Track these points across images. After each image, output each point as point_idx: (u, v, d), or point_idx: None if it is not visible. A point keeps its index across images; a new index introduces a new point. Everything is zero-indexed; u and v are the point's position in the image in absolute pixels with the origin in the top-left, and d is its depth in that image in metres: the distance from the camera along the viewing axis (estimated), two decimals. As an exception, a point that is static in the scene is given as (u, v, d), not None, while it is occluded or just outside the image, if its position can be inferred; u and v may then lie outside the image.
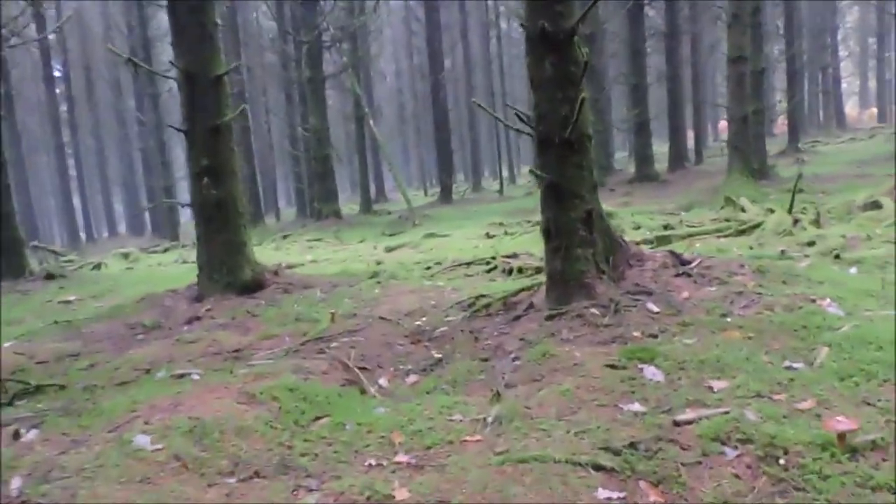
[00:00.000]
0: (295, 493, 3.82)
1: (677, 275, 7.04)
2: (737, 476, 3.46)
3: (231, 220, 10.34)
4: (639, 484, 3.49)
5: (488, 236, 15.84)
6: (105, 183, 50.28)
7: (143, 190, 42.29)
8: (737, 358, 4.86)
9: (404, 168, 62.25)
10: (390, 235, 19.42)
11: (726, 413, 4.01)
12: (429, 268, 12.25)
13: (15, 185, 39.51)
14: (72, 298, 12.78)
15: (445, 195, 31.81)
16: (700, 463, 3.60)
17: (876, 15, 49.86)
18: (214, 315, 9.17)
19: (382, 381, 5.89)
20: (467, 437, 4.32)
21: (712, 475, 3.48)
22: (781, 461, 3.47)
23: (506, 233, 15.85)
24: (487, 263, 11.83)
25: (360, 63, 28.14)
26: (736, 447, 3.69)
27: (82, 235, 42.39)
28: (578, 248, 6.84)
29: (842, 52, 56.39)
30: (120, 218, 53.58)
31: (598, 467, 3.61)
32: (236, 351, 7.18)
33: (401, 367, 6.30)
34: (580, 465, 3.63)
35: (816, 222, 9.75)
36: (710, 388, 4.51)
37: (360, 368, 6.09)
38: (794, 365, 4.70)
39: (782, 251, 8.10)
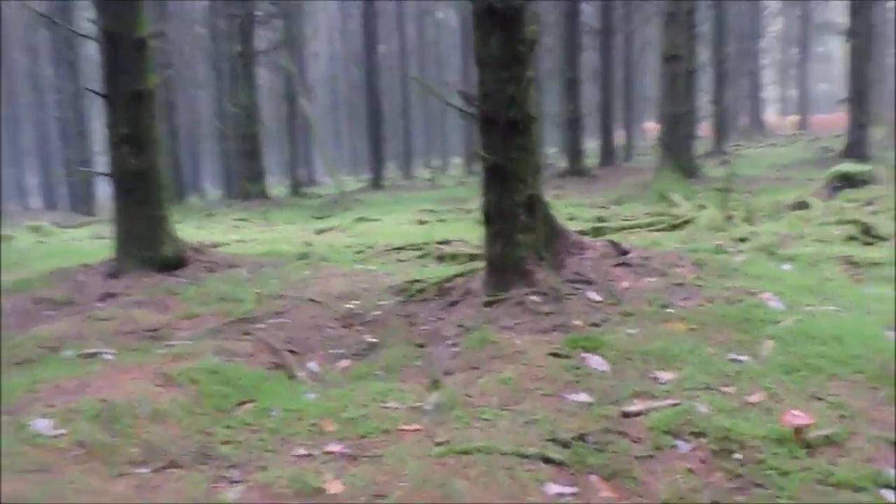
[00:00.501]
0: (215, 485, 3.46)
1: (617, 265, 6.93)
2: (691, 470, 3.30)
3: (152, 192, 9.72)
4: (590, 478, 3.29)
5: (420, 223, 15.57)
6: (17, 153, 47.56)
7: (59, 161, 40.11)
8: (682, 349, 4.75)
9: (335, 154, 61.23)
10: (319, 218, 18.91)
11: (676, 405, 3.87)
12: (360, 251, 11.90)
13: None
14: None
15: (376, 181, 31.36)
16: (652, 457, 3.43)
17: (799, 25, 51.79)
18: (131, 292, 8.60)
19: (312, 366, 5.55)
20: (404, 426, 4.05)
21: (666, 469, 3.31)
22: (737, 455, 3.33)
23: (438, 219, 15.61)
24: (420, 249, 11.57)
25: (293, 42, 27.31)
26: (688, 440, 3.53)
27: (-12, 207, 39.94)
28: (520, 233, 6.65)
29: (764, 61, 58.41)
30: (33, 190, 50.79)
31: (547, 460, 3.40)
32: (154, 330, 6.70)
33: (331, 351, 5.98)
34: (528, 457, 3.41)
35: (748, 219, 9.88)
36: (657, 379, 4.37)
37: (288, 352, 5.73)
38: (740, 357, 4.61)
39: (718, 245, 8.13)
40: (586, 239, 7.45)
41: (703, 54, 36.51)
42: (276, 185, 31.25)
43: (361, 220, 16.42)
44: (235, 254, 11.24)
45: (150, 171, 9.69)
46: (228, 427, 4.19)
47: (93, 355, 5.68)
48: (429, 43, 41.87)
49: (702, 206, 11.64)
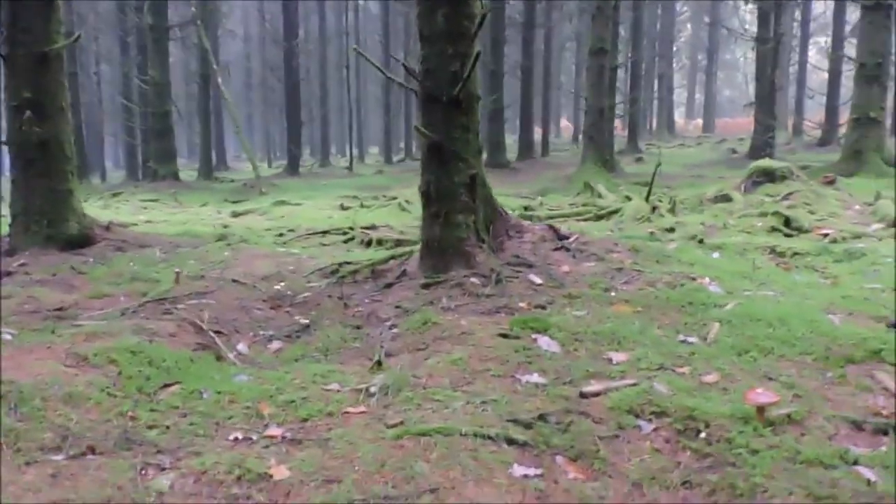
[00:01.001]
0: (143, 471, 3.08)
1: (556, 249, 6.84)
2: (657, 450, 3.17)
3: (56, 164, 9.01)
4: (555, 459, 3.11)
5: (343, 208, 15.19)
6: None
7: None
8: (631, 331, 4.66)
9: (249, 138, 59.57)
10: (235, 202, 18.18)
11: (634, 385, 3.75)
12: (281, 234, 11.45)
13: None
14: None
15: (293, 167, 30.56)
16: (617, 436, 3.29)
17: (708, 31, 53.80)
18: (30, 270, 7.91)
19: (241, 347, 5.17)
20: (350, 409, 3.76)
21: (632, 450, 3.17)
22: (703, 435, 3.22)
23: (362, 205, 15.25)
24: (345, 234, 11.24)
25: (208, 17, 26.16)
26: (651, 420, 3.41)
27: None
28: (459, 213, 6.45)
29: (673, 65, 60.39)
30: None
31: (510, 441, 3.20)
32: (59, 310, 6.13)
33: (261, 332, 5.60)
34: (490, 438, 3.20)
35: (672, 210, 10.03)
36: (610, 359, 4.25)
37: (214, 332, 5.33)
38: (689, 339, 4.56)
39: (651, 233, 8.18)
40: (525, 222, 7.33)
41: (620, 56, 37.39)
42: (184, 168, 29.85)
43: (281, 203, 15.87)
44: (147, 233, 10.58)
45: (55, 140, 8.97)
46: (154, 410, 3.78)
47: (-10, 335, 5.10)
48: (349, 30, 41.06)
49: (627, 198, 11.78)
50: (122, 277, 7.43)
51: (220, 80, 22.25)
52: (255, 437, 3.47)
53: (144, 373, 4.23)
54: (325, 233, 11.44)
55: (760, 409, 3.26)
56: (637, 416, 3.46)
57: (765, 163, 10.73)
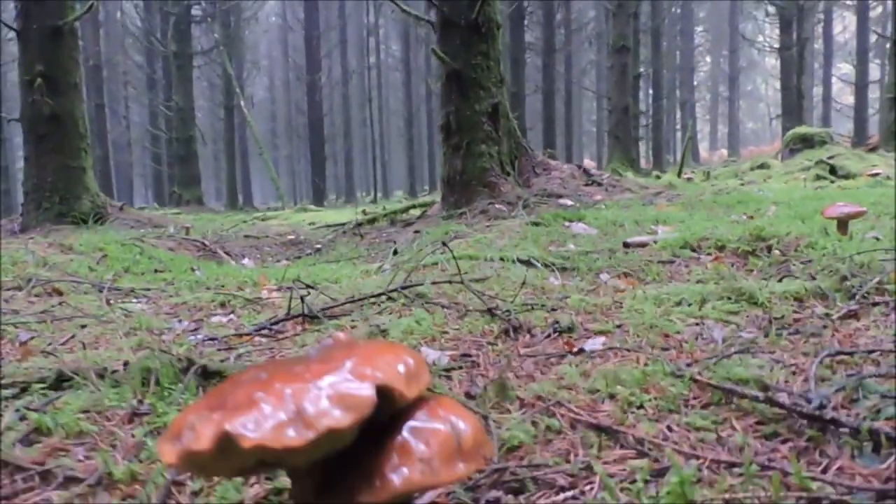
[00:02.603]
0: (110, 301, 2.67)
1: (587, 184, 6.39)
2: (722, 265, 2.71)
3: (69, 140, 8.77)
4: (599, 276, 2.65)
5: (364, 213, 14.83)
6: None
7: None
8: (676, 216, 4.20)
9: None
10: (263, 220, 17.96)
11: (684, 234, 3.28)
12: (302, 223, 11.15)
13: None
14: None
15: (318, 198, 30.46)
16: (672, 262, 2.84)
17: (728, 60, 53.53)
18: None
19: (247, 262, 4.78)
20: (361, 279, 3.32)
21: (690, 270, 2.71)
22: (776, 251, 2.76)
23: (384, 208, 14.91)
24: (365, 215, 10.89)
25: (231, 45, 26.45)
26: (710, 252, 2.96)
27: None
28: (482, 143, 6.05)
29: (694, 96, 60.03)
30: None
31: (548, 265, 2.76)
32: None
33: (269, 257, 5.21)
34: (524, 262, 2.77)
35: (706, 178, 9.54)
36: (654, 231, 3.78)
37: (224, 253, 4.94)
38: (742, 217, 4.08)
39: (688, 179, 7.70)
40: (553, 161, 6.90)
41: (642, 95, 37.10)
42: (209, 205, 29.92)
43: (302, 210, 15.60)
44: (164, 215, 10.30)
45: (67, 116, 8.75)
46: (138, 277, 3.39)
47: None
48: (371, 67, 41.47)
49: (657, 177, 11.32)
50: (132, 232, 7.12)
51: (242, 102, 22.30)
52: (248, 291, 3.04)
53: (132, 258, 3.84)
54: (342, 224, 11.10)
55: (843, 222, 2.77)
56: (694, 250, 2.99)
57: (802, 129, 10.22)
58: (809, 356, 1.46)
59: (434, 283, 2.32)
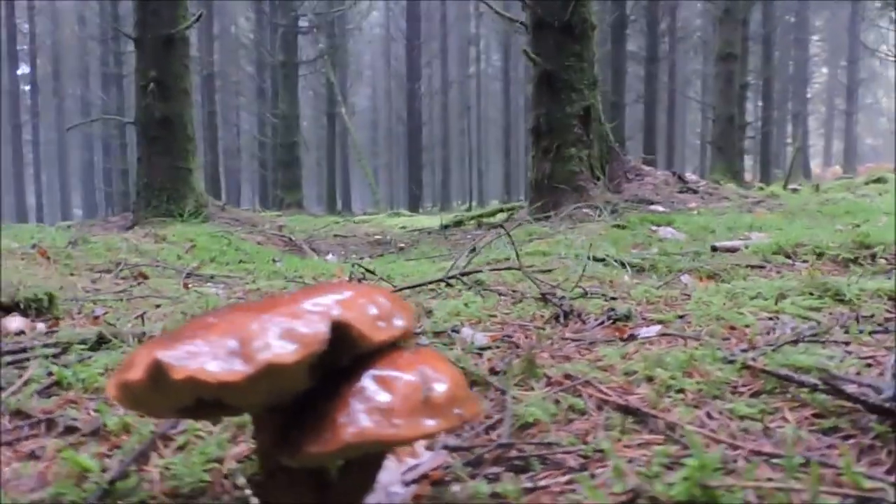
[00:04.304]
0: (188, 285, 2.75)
1: (681, 191, 6.16)
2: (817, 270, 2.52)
3: (177, 142, 9.21)
4: (680, 277, 2.52)
5: (455, 217, 14.89)
6: (63, 172, 48.31)
7: (101, 174, 40.53)
8: (774, 223, 3.97)
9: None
10: (355, 223, 18.36)
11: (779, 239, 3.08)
12: (403, 227, 11.32)
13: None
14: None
15: (413, 205, 30.87)
16: (763, 266, 2.67)
17: (847, 71, 50.79)
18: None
19: (330, 258, 4.85)
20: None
21: (783, 274, 2.54)
22: (880, 259, 2.55)
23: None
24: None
25: (337, 57, 27.26)
26: (806, 259, 2.77)
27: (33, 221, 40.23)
28: (572, 147, 5.93)
29: (807, 109, 57.13)
30: (76, 205, 51.43)
31: (622, 263, 2.64)
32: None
33: (353, 254, 5.28)
34: (598, 260, 2.67)
35: (816, 189, 9.03)
36: (748, 237, 3.57)
37: (308, 248, 5.04)
38: (844, 228, 3.80)
39: (793, 189, 7.30)
40: (646, 166, 6.69)
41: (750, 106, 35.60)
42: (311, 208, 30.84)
43: (396, 215, 15.82)
44: (262, 216, 10.67)
45: (177, 119, 9.20)
46: (221, 265, 3.50)
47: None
48: (471, 77, 41.82)
49: (760, 188, 10.81)
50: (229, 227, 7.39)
51: (344, 110, 22.90)
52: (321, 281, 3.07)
53: (219, 249, 3.96)
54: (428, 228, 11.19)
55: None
56: (788, 256, 2.80)
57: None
58: (893, 351, 1.30)
59: (493, 269, 2.26)
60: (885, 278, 2.33)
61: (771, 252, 2.85)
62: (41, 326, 2.04)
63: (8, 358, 1.47)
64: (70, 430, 1.15)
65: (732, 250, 3.06)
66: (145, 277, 2.94)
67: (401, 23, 36.99)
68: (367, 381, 0.73)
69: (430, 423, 0.71)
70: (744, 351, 1.34)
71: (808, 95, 56.12)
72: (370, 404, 0.71)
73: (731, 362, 1.25)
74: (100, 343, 1.61)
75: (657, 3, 27.32)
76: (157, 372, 0.65)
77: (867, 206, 5.04)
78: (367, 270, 2.60)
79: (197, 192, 9.47)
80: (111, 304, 2.26)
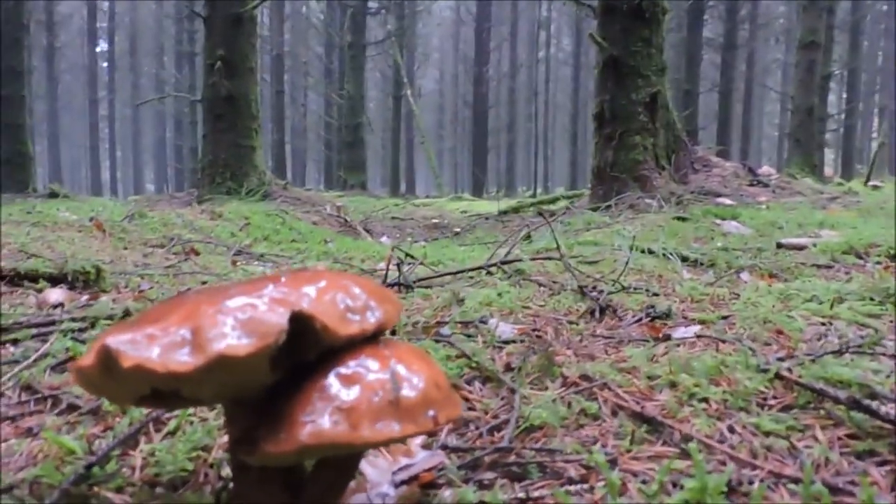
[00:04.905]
0: (235, 262, 2.73)
1: (751, 184, 5.89)
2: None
3: (241, 120, 9.34)
4: (739, 274, 2.37)
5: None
6: (137, 148, 49.99)
7: (172, 150, 41.75)
8: (847, 222, 3.73)
9: (439, 172, 61.19)
10: (415, 206, 18.41)
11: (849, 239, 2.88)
12: (464, 211, 11.27)
13: (48, 136, 39.13)
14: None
15: (477, 190, 30.74)
16: (830, 266, 2.49)
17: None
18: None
19: (384, 240, 4.82)
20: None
21: (852, 275, 2.37)
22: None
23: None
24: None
25: (404, 39, 27.26)
26: (879, 261, 2.57)
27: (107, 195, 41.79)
28: (637, 135, 5.73)
29: None
30: (149, 180, 53.21)
31: (683, 258, 2.50)
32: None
33: (409, 238, 5.23)
34: (650, 252, 2.53)
35: (900, 188, 8.53)
36: (818, 234, 3.36)
37: (363, 230, 5.01)
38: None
39: (874, 186, 6.93)
40: (714, 157, 6.43)
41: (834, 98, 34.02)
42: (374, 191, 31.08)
43: (458, 198, 15.76)
44: (324, 195, 10.76)
45: (241, 97, 9.31)
46: (273, 244, 3.49)
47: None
48: (540, 61, 41.18)
49: (839, 184, 10.30)
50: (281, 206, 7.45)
51: (409, 93, 22.89)
52: (368, 263, 3.02)
53: (273, 228, 3.96)
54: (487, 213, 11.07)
55: None
56: (859, 256, 2.61)
57: None
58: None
59: (533, 258, 2.17)
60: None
61: (840, 251, 2.66)
62: (83, 299, 2.04)
63: (33, 331, 1.45)
64: (72, 407, 1.13)
65: (799, 248, 2.87)
66: (196, 253, 2.95)
67: (470, 5, 36.71)
68: (331, 379, 0.67)
69: (396, 427, 0.65)
70: (780, 359, 1.22)
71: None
72: (332, 403, 0.65)
73: (764, 371, 1.14)
74: (125, 317, 1.58)
75: (737, -12, 26.37)
76: (107, 358, 0.61)
77: (954, 205, 4.72)
78: (408, 254, 2.54)
79: (259, 169, 9.59)
80: (157, 280, 2.25)
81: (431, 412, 0.67)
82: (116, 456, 0.94)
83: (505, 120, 42.47)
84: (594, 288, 1.79)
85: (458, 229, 5.34)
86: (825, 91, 18.39)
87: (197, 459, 0.94)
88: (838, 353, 1.23)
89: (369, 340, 0.71)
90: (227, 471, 0.90)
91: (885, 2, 35.52)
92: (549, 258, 2.17)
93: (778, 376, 1.11)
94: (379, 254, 3.39)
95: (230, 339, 0.59)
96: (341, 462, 0.73)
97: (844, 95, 31.06)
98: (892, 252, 2.66)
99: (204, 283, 2.25)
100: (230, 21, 9.23)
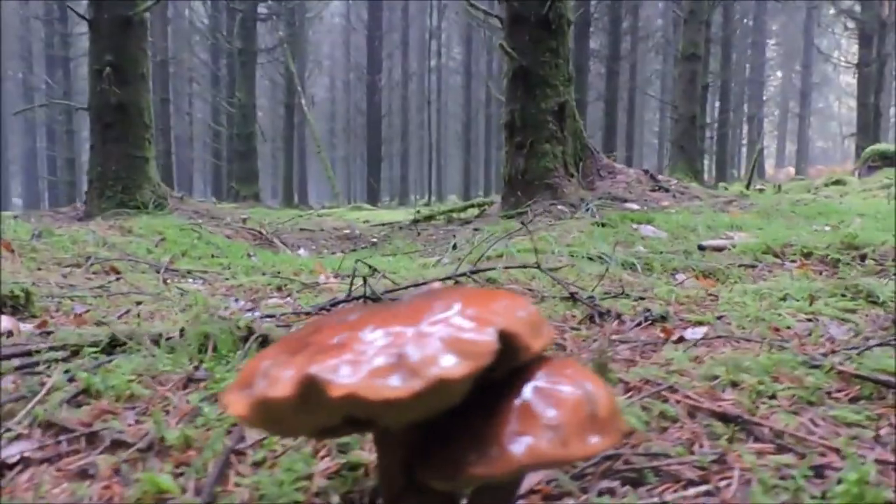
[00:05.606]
0: (167, 280, 2.58)
1: (654, 190, 6.15)
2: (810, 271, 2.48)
3: (133, 129, 8.88)
4: (675, 276, 2.46)
5: (418, 212, 14.77)
6: (2, 160, 46.61)
7: (44, 162, 39.22)
8: (752, 223, 3.95)
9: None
10: (318, 216, 18.13)
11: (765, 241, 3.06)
12: (366, 221, 11.16)
13: None
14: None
15: (372, 198, 30.64)
16: (754, 266, 2.63)
17: (801, 75, 51.99)
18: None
19: (302, 252, 4.70)
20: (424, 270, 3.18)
21: (775, 274, 2.50)
22: (869, 261, 2.52)
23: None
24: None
25: (296, 46, 26.79)
26: (795, 260, 2.74)
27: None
28: (546, 143, 5.86)
29: (762, 111, 58.36)
30: (16, 195, 49.61)
31: (624, 264, 2.57)
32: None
33: (325, 249, 5.13)
34: (590, 259, 2.59)
35: (777, 190, 9.16)
36: (730, 237, 3.54)
37: (279, 242, 4.87)
38: (824, 228, 3.81)
39: (760, 189, 7.37)
40: (618, 165, 6.67)
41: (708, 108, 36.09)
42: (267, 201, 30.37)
43: (357, 208, 15.64)
44: (221, 208, 10.40)
45: (133, 106, 8.86)
46: (194, 259, 3.32)
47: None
48: (432, 70, 41.55)
49: (724, 188, 10.94)
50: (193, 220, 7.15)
51: (303, 100, 22.52)
52: (304, 277, 2.92)
53: (190, 243, 3.78)
54: (398, 221, 11.04)
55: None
56: (777, 256, 2.77)
57: (882, 146, 9.74)
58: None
59: (506, 268, 2.17)
60: (875, 279, 2.30)
61: (760, 251, 2.83)
62: (28, 327, 1.87)
63: (15, 362, 1.31)
64: (119, 444, 1.03)
65: (719, 249, 3.02)
66: (118, 272, 2.76)
67: (362, 13, 36.63)
68: (531, 396, 0.65)
69: (597, 441, 0.65)
70: (825, 355, 1.28)
71: (764, 98, 57.31)
72: (539, 422, 0.63)
73: (817, 367, 1.19)
74: (113, 345, 1.46)
75: (620, 1, 27.56)
76: (310, 389, 0.55)
77: (838, 207, 5.10)
78: (370, 267, 2.48)
79: (153, 181, 9.15)
80: (90, 301, 2.09)
81: (619, 424, 0.67)
82: (219, 492, 0.86)
83: (398, 128, 42.59)
84: (578, 294, 1.81)
85: (374, 239, 5.29)
86: (703, 101, 19.51)
87: (300, 489, 0.89)
88: (869, 348, 1.30)
89: (539, 357, 0.69)
90: (336, 499, 0.85)
91: (751, 18, 38.17)
92: (526, 266, 2.18)
93: (833, 370, 1.16)
94: (306, 267, 3.30)
95: (444, 361, 0.56)
96: (503, 486, 0.71)
97: (717, 105, 33.07)
98: (805, 251, 2.83)
99: (139, 303, 2.11)
100: (118, 24, 8.78)
